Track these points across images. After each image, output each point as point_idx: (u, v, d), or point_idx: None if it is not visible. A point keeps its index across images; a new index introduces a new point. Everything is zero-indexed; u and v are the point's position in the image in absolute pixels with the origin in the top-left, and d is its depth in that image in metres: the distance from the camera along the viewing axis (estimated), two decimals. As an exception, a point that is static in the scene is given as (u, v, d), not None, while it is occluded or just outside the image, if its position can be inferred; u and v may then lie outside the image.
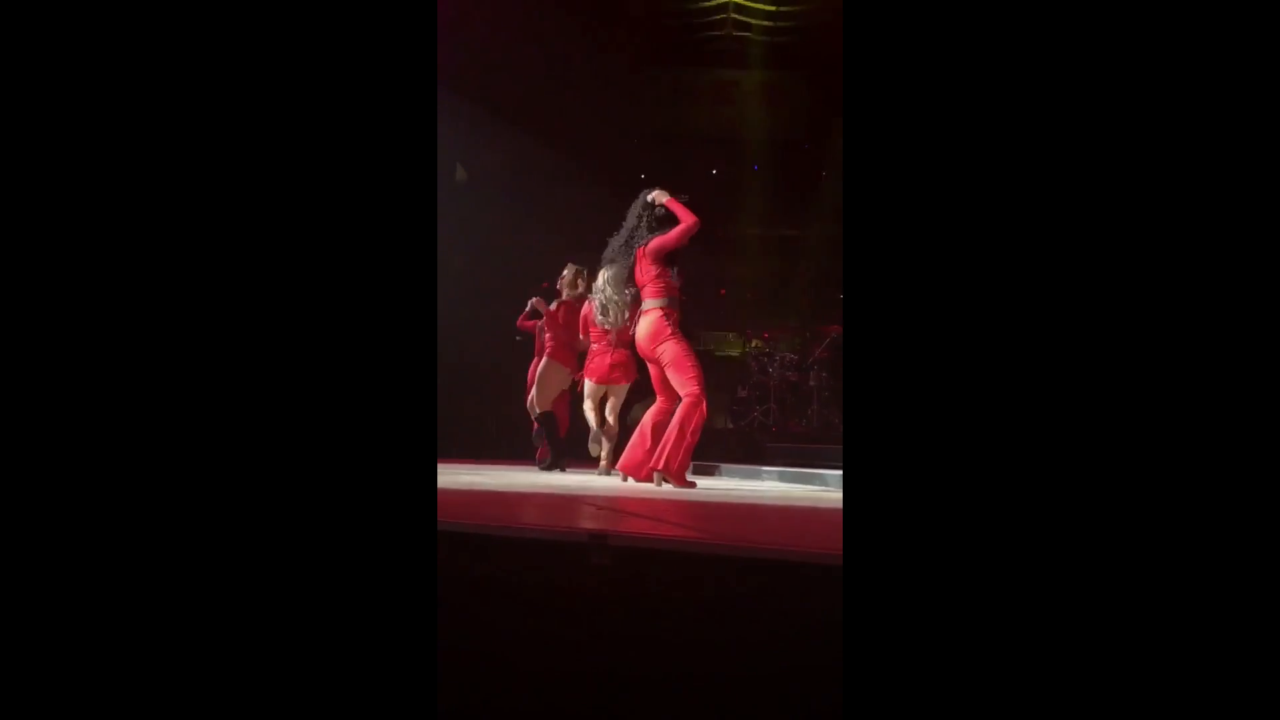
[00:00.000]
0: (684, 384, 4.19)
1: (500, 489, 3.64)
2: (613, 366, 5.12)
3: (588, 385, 5.24)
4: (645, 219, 4.44)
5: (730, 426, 8.03)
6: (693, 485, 4.24)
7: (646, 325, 4.34)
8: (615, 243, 4.56)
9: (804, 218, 8.85)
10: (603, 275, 4.74)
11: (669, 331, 4.27)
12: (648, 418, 4.46)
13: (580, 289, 5.51)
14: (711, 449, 6.10)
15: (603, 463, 5.20)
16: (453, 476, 4.14)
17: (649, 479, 4.29)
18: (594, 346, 5.22)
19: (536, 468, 5.54)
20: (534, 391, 5.59)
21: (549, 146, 8.03)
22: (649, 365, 4.46)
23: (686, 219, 4.32)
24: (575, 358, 5.52)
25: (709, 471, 5.68)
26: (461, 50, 7.00)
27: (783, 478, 5.10)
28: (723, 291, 9.03)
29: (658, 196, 4.43)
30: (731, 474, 5.70)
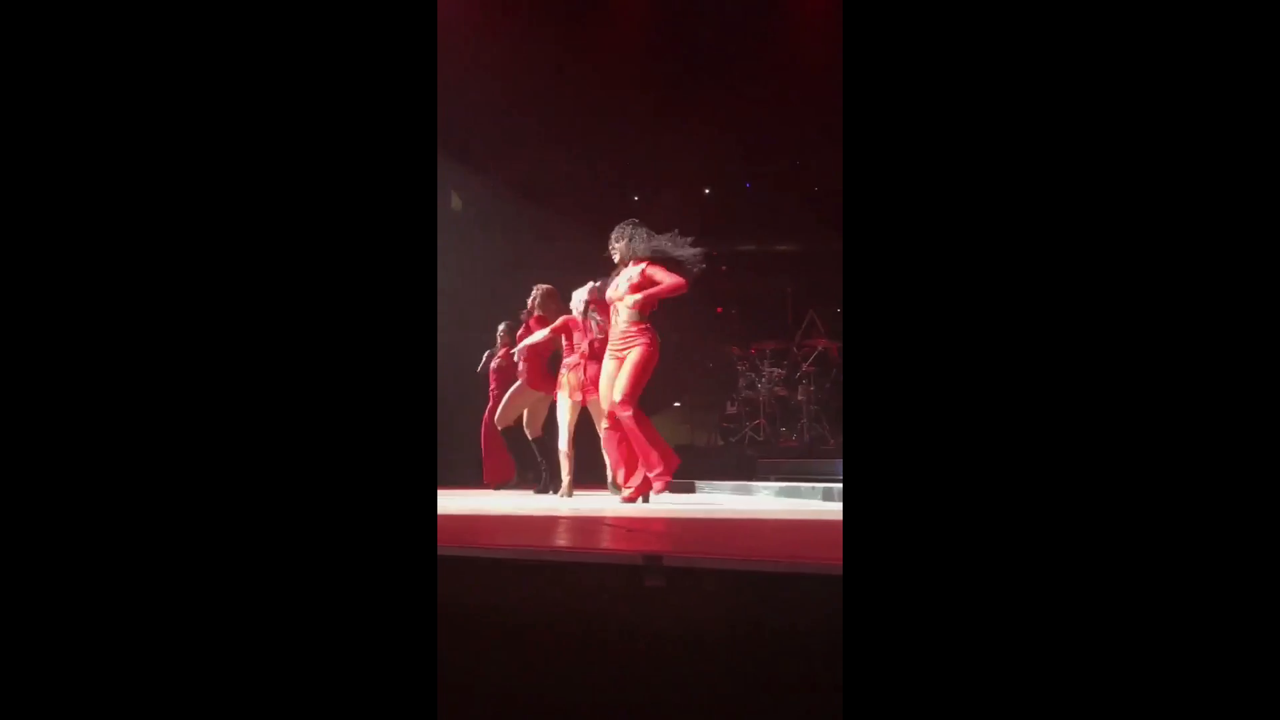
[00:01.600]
0: (621, 389, 4.29)
1: (536, 513, 3.50)
2: (591, 381, 4.99)
3: (570, 403, 5.11)
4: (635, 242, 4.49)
5: (720, 443, 7.94)
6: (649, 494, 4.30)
7: (626, 324, 4.42)
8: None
9: (795, 233, 8.83)
10: (577, 294, 4.95)
11: (645, 340, 4.34)
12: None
13: (543, 309, 5.49)
14: (703, 466, 6.03)
15: (567, 482, 5.11)
16: (455, 501, 4.09)
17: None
18: (573, 361, 5.10)
19: (533, 491, 5.52)
20: (501, 409, 5.65)
21: (541, 171, 8.07)
22: (604, 364, 4.51)
23: (675, 281, 4.38)
24: (550, 381, 5.45)
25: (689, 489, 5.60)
26: (458, 73, 7.04)
27: (780, 493, 5.02)
28: (719, 310, 9.01)
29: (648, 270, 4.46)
30: (720, 490, 5.61)
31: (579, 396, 5.03)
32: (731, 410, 8.07)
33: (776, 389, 7.88)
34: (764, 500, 4.87)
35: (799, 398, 7.75)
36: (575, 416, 5.08)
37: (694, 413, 6.50)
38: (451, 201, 8.44)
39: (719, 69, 7.73)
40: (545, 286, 5.61)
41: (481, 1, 7.43)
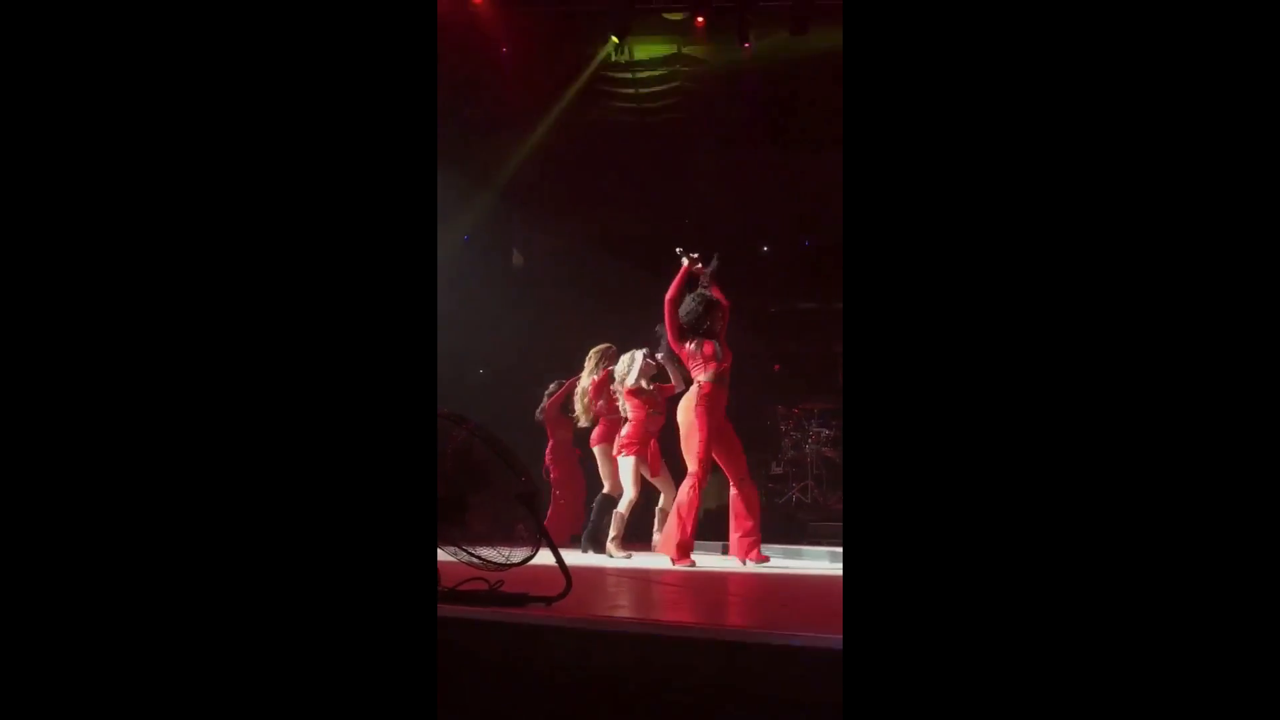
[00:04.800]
0: (689, 459, 4.45)
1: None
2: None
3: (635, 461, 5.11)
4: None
5: (767, 504, 7.82)
6: (691, 564, 4.35)
7: (685, 397, 4.60)
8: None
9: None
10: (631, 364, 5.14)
11: (694, 405, 4.45)
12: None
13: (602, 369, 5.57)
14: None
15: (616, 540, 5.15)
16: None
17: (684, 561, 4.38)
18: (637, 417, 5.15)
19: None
20: (611, 481, 5.58)
21: (600, 228, 8.17)
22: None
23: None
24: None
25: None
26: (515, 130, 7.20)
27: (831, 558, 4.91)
28: (776, 367, 8.96)
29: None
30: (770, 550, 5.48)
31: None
32: (777, 470, 7.96)
33: (824, 449, 7.78)
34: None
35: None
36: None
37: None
38: (513, 258, 8.56)
39: (779, 129, 7.80)
40: (606, 347, 5.69)
41: (537, 52, 7.59)
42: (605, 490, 5.62)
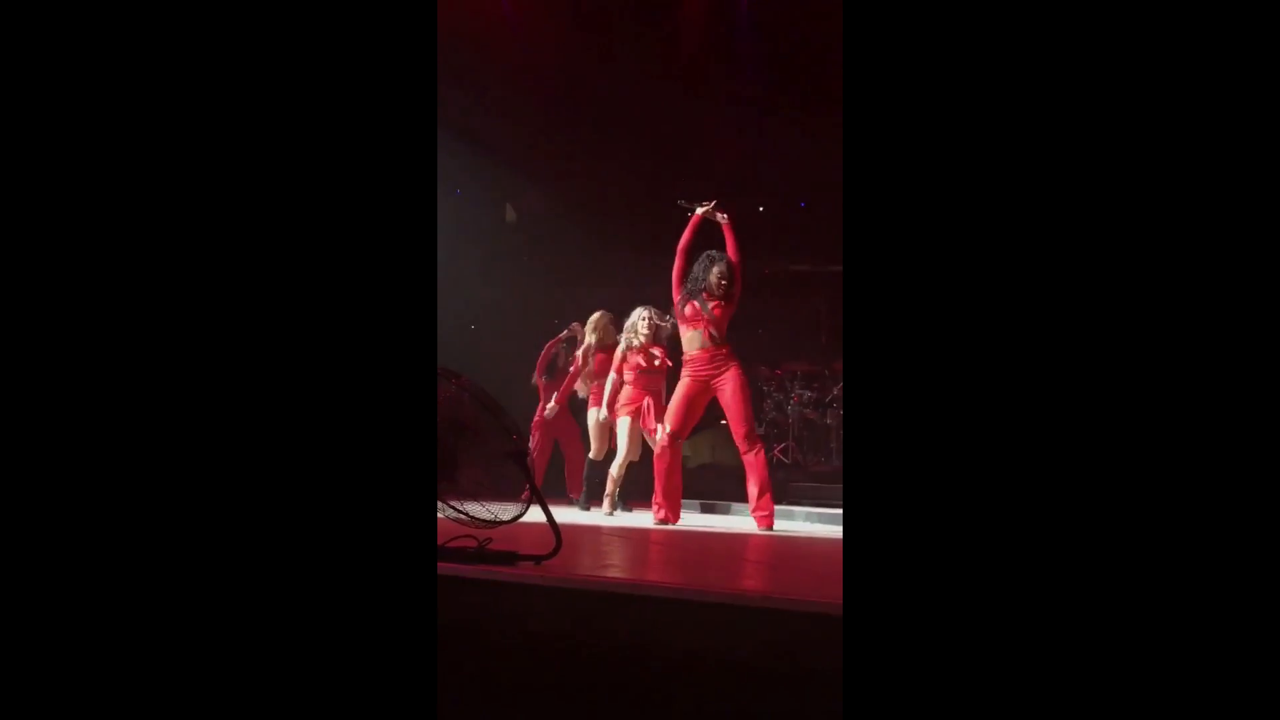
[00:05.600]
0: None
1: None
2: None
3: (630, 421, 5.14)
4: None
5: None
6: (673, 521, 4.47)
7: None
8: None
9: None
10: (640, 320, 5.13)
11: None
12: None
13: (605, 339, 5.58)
14: (731, 486, 5.97)
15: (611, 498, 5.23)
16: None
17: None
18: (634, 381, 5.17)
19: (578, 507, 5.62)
20: (597, 445, 5.61)
21: (597, 188, 8.08)
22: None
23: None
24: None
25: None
26: (513, 90, 7.09)
27: (808, 519, 4.97)
28: (760, 331, 8.98)
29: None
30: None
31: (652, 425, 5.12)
32: (759, 431, 8.00)
33: (806, 411, 7.83)
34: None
35: (828, 421, 7.69)
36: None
37: (719, 432, 6.45)
38: (506, 214, 8.47)
39: (782, 86, 7.71)
40: (604, 315, 5.69)
41: (540, 14, 7.45)
42: (591, 455, 5.65)
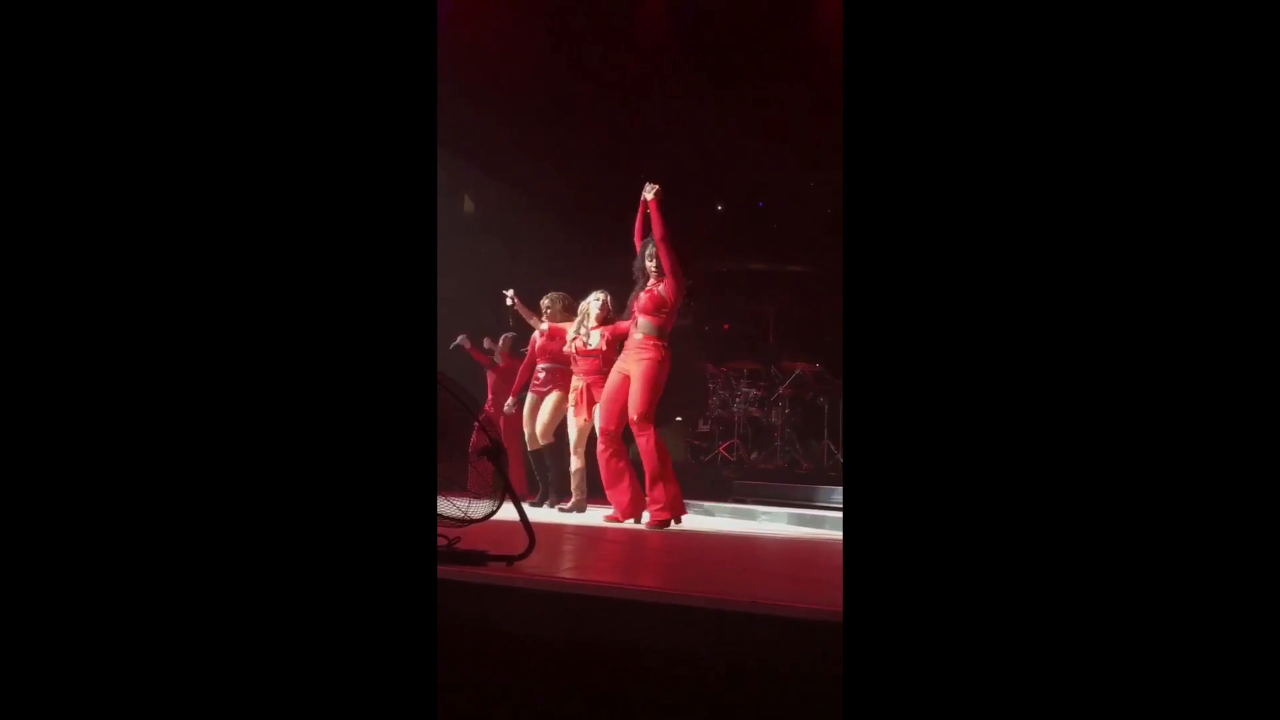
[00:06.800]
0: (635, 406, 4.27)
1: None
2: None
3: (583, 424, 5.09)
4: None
5: (693, 462, 7.92)
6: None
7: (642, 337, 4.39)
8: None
9: (806, 253, 8.77)
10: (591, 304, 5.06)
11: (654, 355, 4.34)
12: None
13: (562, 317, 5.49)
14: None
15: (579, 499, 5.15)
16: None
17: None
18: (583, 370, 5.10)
19: (545, 506, 5.47)
20: (536, 425, 5.47)
21: (552, 179, 8.01)
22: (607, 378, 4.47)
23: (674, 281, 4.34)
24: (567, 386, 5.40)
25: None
26: (469, 77, 6.99)
27: (790, 519, 4.96)
28: (726, 326, 8.99)
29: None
30: (720, 512, 5.53)
31: (584, 413, 5.05)
32: (704, 428, 8.05)
33: (751, 409, 7.90)
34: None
35: (773, 419, 7.77)
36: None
37: (664, 428, 6.47)
38: (463, 205, 8.34)
39: (741, 85, 7.73)
40: (559, 294, 5.61)
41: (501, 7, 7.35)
42: (528, 438, 5.53)
